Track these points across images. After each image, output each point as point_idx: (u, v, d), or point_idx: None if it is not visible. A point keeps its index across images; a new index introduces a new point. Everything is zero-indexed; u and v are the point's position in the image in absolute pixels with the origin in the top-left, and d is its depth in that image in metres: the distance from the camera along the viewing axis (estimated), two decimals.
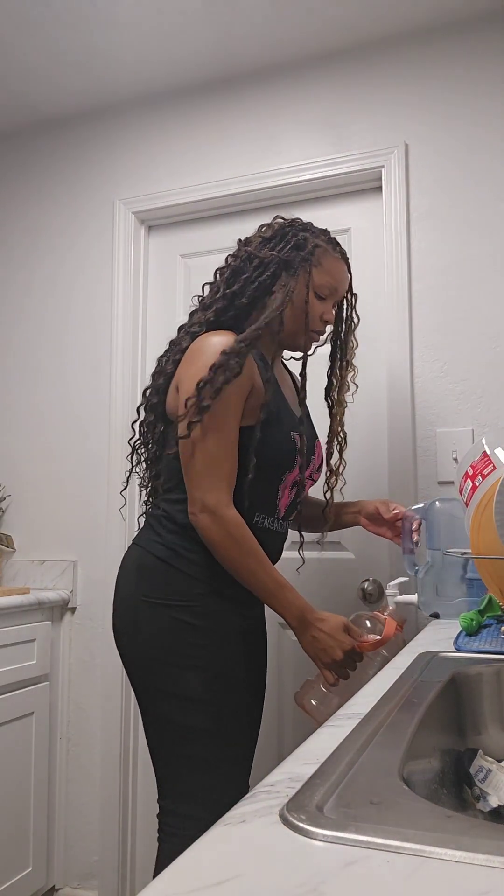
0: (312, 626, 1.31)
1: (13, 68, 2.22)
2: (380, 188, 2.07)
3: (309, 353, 1.48)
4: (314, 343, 1.48)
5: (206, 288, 1.48)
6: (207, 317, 1.40)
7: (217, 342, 1.32)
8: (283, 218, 1.48)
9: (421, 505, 1.66)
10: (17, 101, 2.39)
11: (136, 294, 2.32)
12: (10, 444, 2.43)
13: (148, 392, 1.47)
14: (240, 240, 1.48)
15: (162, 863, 1.32)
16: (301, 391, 1.49)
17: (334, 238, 1.48)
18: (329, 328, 1.54)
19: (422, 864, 0.42)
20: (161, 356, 1.48)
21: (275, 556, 1.48)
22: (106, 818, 2.14)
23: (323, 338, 1.53)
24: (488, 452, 1.21)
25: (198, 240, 2.32)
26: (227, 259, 1.45)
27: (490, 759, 0.82)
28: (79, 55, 2.16)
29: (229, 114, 2.26)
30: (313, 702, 1.34)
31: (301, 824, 0.48)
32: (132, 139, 2.38)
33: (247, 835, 0.48)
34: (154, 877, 1.32)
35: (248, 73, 2.23)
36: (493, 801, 0.77)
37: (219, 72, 2.24)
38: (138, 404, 1.50)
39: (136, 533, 1.46)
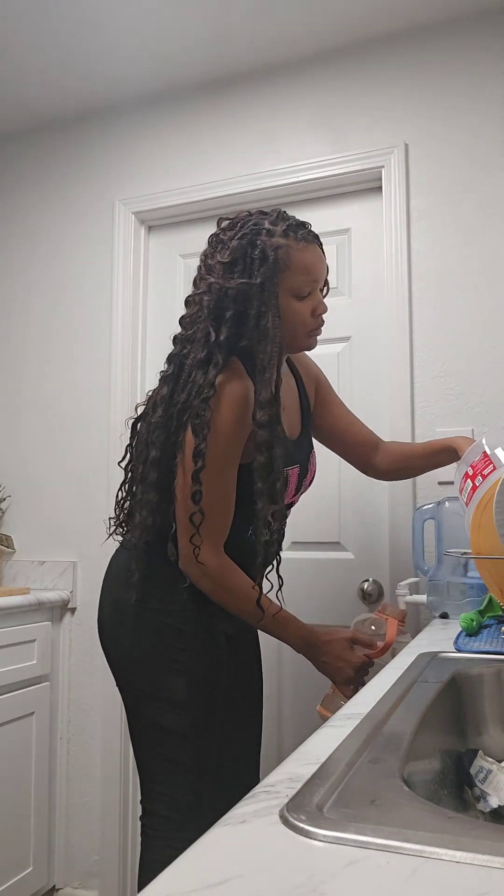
0: (319, 652, 1.32)
1: (12, 70, 2.22)
2: (380, 188, 2.07)
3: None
4: (318, 335, 1.41)
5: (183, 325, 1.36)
6: (211, 377, 1.26)
7: (236, 399, 1.26)
8: (228, 219, 1.35)
9: (431, 505, 1.66)
10: (16, 103, 2.39)
11: (136, 294, 2.32)
12: (11, 444, 2.43)
13: (134, 458, 1.36)
14: (199, 266, 1.35)
15: (143, 865, 1.32)
16: (304, 399, 1.49)
17: (291, 221, 1.33)
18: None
19: (422, 864, 0.42)
20: (139, 419, 1.37)
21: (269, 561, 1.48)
22: (106, 818, 2.14)
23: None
24: (488, 452, 1.21)
25: (198, 240, 2.31)
26: (196, 297, 1.33)
27: (490, 759, 0.82)
28: (78, 56, 2.16)
29: (229, 114, 2.26)
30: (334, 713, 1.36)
31: (301, 824, 0.48)
32: (132, 139, 2.38)
33: (247, 835, 0.48)
34: (138, 879, 1.33)
35: (247, 73, 2.23)
36: (494, 802, 0.77)
37: (218, 72, 2.24)
38: (126, 462, 1.38)
39: (124, 537, 1.43)
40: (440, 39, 2.02)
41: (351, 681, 1.32)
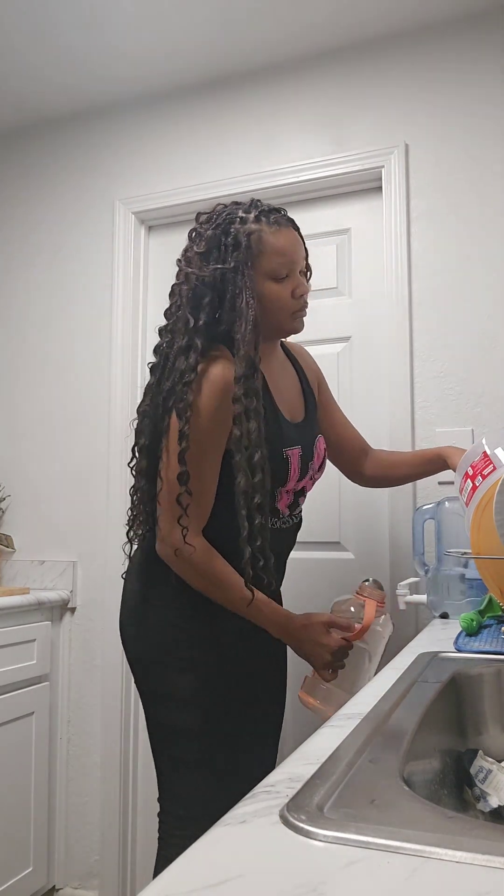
0: (295, 637, 1.31)
1: (13, 69, 2.22)
2: (380, 188, 2.07)
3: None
4: (303, 317, 1.41)
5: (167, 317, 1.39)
6: (193, 362, 1.28)
7: (217, 382, 1.27)
8: (205, 213, 1.38)
9: (431, 505, 1.66)
10: (17, 101, 2.39)
11: (136, 294, 2.32)
12: (10, 444, 2.43)
13: (139, 450, 1.37)
14: (178, 260, 1.38)
15: (159, 863, 1.34)
16: (305, 384, 1.48)
17: (263, 207, 1.36)
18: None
19: (422, 864, 0.42)
20: (142, 405, 1.37)
21: (284, 549, 1.46)
22: (106, 818, 2.14)
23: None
24: (488, 452, 1.21)
25: None
26: (175, 288, 1.37)
27: (490, 759, 0.82)
28: (78, 55, 2.16)
29: (229, 113, 2.26)
30: (318, 699, 1.33)
31: (301, 824, 0.48)
32: (132, 139, 2.38)
33: (247, 835, 0.48)
34: (154, 878, 1.34)
35: (247, 73, 2.23)
36: (494, 802, 0.77)
37: (218, 71, 2.24)
38: (131, 464, 1.39)
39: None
40: (440, 39, 2.02)
41: (329, 665, 1.30)
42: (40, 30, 2.05)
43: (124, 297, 2.31)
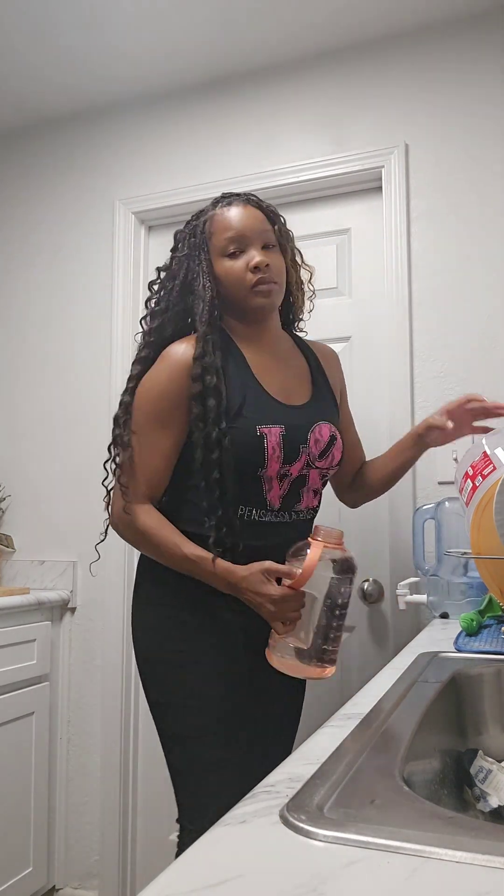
0: (238, 589, 1.23)
1: (13, 69, 2.22)
2: (380, 188, 2.07)
3: (307, 310, 1.52)
4: (267, 292, 1.35)
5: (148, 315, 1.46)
6: (142, 342, 1.39)
7: (170, 357, 1.34)
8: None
9: (431, 505, 1.66)
10: (17, 101, 2.39)
11: (136, 294, 2.32)
12: (11, 444, 2.43)
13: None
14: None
15: None
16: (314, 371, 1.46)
17: (229, 195, 1.43)
18: (274, 273, 1.36)
19: (422, 864, 0.42)
20: (125, 393, 1.41)
21: (277, 546, 1.32)
22: (106, 818, 2.14)
23: (307, 284, 1.49)
24: (488, 452, 1.21)
25: None
26: (150, 287, 1.45)
27: (490, 759, 0.82)
28: (79, 55, 2.16)
29: (229, 113, 2.26)
30: (282, 655, 1.21)
31: (301, 824, 0.48)
32: (132, 139, 2.38)
33: (247, 835, 0.48)
34: None
35: (247, 73, 2.23)
36: (494, 802, 0.77)
37: (218, 71, 2.24)
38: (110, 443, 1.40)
39: None
40: (440, 40, 2.02)
41: (275, 616, 1.18)
42: (40, 30, 2.05)
43: (124, 297, 2.31)
